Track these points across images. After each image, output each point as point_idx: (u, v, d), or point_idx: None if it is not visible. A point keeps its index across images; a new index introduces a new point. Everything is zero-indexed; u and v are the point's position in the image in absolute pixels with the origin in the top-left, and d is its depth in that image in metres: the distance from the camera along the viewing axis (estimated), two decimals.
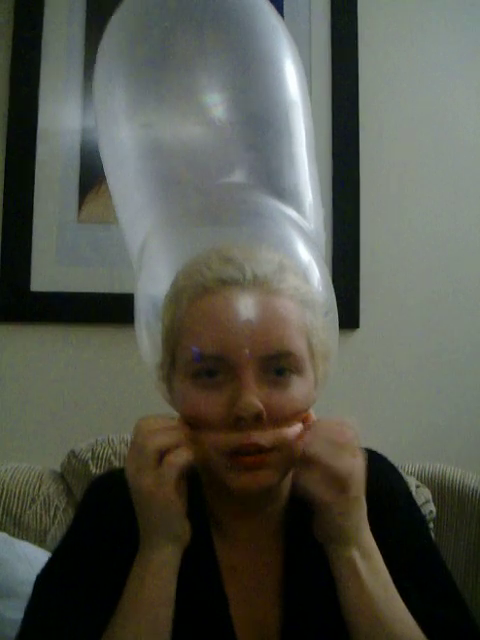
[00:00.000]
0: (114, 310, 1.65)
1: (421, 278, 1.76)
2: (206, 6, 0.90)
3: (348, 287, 1.72)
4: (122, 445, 1.42)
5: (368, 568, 0.77)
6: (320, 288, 0.86)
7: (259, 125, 0.90)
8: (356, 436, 0.77)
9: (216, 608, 0.81)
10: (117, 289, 1.65)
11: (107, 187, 1.65)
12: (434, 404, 1.74)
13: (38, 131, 1.72)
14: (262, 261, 0.79)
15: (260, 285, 0.77)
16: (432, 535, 0.93)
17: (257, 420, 0.74)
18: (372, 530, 0.79)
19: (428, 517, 1.44)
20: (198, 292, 0.78)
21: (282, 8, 1.76)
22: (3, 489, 1.36)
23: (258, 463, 0.75)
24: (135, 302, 0.93)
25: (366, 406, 1.72)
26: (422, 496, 1.45)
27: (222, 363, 0.75)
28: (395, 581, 0.78)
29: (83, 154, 1.73)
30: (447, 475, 1.51)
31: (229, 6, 0.91)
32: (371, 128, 1.77)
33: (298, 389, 0.77)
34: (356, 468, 0.75)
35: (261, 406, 0.73)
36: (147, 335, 0.89)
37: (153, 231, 0.91)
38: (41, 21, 1.74)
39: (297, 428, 0.77)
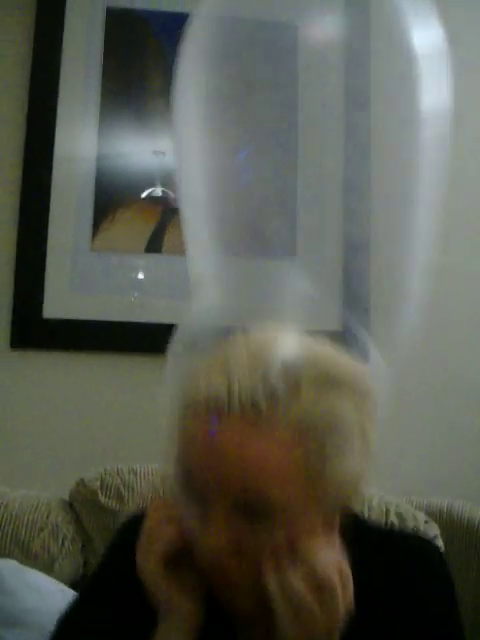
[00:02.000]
0: (126, 339, 1.68)
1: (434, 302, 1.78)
2: None
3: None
4: (131, 475, 1.43)
5: None
6: (354, 403, 0.71)
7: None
8: (343, 581, 0.68)
9: None
10: (129, 318, 1.67)
11: (121, 215, 1.70)
12: (442, 437, 1.74)
13: (54, 158, 1.74)
14: (270, 371, 0.67)
15: (247, 411, 0.66)
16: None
17: (224, 558, 0.68)
18: (392, 618, 0.74)
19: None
20: (187, 411, 0.70)
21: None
22: (12, 516, 1.36)
23: (231, 588, 0.71)
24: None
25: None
26: (430, 531, 1.45)
27: (195, 493, 0.70)
28: None
29: (98, 182, 1.75)
30: (455, 509, 1.51)
31: None
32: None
33: (280, 530, 0.67)
34: (332, 617, 0.67)
35: (219, 549, 0.67)
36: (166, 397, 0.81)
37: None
38: (60, 48, 1.77)
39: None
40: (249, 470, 0.66)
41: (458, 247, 1.80)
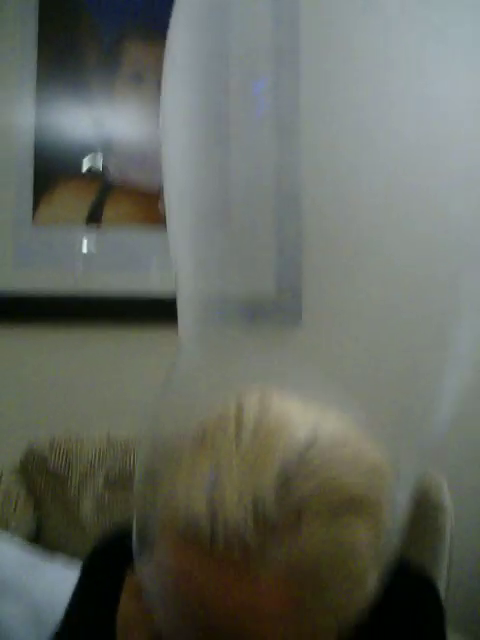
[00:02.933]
0: (70, 311, 1.73)
1: (371, 271, 1.86)
2: None
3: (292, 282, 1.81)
4: (79, 442, 1.50)
5: None
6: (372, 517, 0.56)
7: None
8: None
9: None
10: (72, 291, 1.72)
11: (62, 188, 1.73)
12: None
13: None
14: (266, 494, 0.51)
15: (234, 550, 0.51)
16: None
17: None
18: None
19: None
20: (166, 540, 0.56)
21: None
22: None
23: None
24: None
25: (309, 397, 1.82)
26: None
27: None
28: None
29: (37, 154, 1.77)
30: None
31: None
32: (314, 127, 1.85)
33: None
34: None
35: None
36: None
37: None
38: None
39: None
40: (236, 624, 0.52)
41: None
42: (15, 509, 1.43)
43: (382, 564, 0.57)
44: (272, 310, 1.77)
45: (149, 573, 0.58)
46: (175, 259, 0.83)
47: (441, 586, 1.49)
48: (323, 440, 0.56)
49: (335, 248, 1.80)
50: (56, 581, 1.19)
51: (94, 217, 1.77)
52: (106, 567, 0.77)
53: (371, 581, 0.56)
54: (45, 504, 1.46)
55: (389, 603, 0.64)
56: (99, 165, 1.78)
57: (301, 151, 1.86)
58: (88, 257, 1.77)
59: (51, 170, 1.78)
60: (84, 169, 1.77)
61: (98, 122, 1.79)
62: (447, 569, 1.54)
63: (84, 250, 1.76)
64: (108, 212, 1.78)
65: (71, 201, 1.78)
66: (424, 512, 1.50)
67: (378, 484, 0.57)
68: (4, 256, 1.74)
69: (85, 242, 1.77)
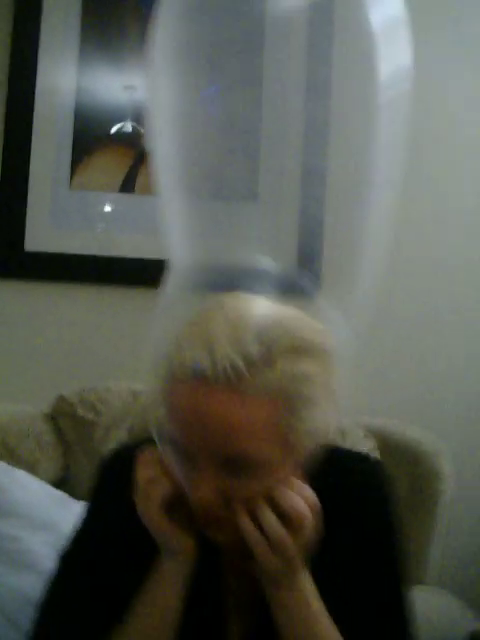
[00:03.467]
0: (100, 271, 1.82)
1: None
2: None
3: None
4: (107, 392, 1.60)
5: (294, 607, 0.83)
6: (317, 369, 0.79)
7: None
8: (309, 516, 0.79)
9: (215, 623, 0.91)
10: (102, 252, 1.81)
11: (98, 155, 1.81)
12: (386, 365, 1.94)
13: (36, 92, 1.83)
14: (247, 342, 0.75)
15: (229, 380, 0.74)
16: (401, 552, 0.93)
17: (212, 507, 0.78)
18: (333, 534, 0.84)
19: None
20: (171, 378, 0.78)
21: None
22: (1, 425, 1.54)
23: (215, 527, 0.83)
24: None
25: None
26: (368, 444, 1.66)
27: (184, 451, 0.79)
28: (343, 599, 0.86)
29: (76, 120, 1.85)
30: (388, 428, 1.71)
31: None
32: (342, 121, 1.88)
33: (262, 480, 0.79)
34: (302, 542, 0.80)
35: (208, 501, 0.78)
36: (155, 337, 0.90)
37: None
38: None
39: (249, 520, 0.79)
40: (234, 433, 0.75)
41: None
42: (45, 451, 1.55)
43: (334, 401, 0.80)
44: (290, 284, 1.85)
45: (165, 416, 0.79)
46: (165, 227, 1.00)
47: (429, 551, 1.60)
48: (288, 312, 0.81)
49: (354, 228, 1.88)
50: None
51: (128, 185, 1.86)
52: (119, 470, 0.91)
53: (325, 415, 0.79)
54: (72, 451, 1.57)
55: (341, 482, 0.88)
56: (129, 128, 1.85)
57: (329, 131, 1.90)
58: (119, 221, 1.86)
59: (90, 136, 1.86)
60: (120, 136, 1.85)
61: (137, 91, 1.85)
62: (442, 535, 1.65)
63: (114, 214, 1.85)
64: (141, 179, 1.86)
65: (107, 167, 1.86)
66: (420, 478, 1.61)
67: (327, 341, 0.80)
68: (42, 216, 1.84)
69: (116, 207, 1.85)
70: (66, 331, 1.84)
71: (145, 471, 0.84)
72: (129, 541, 0.90)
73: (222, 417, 0.75)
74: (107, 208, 1.85)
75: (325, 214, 1.83)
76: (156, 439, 0.84)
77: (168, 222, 1.03)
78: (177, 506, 0.83)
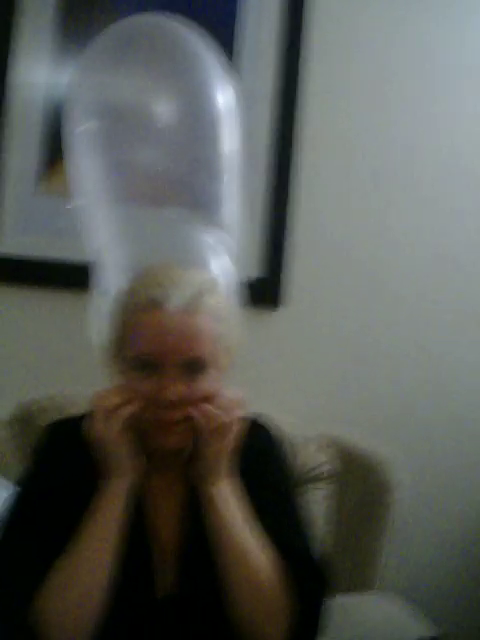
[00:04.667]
0: (66, 276, 1.80)
1: (352, 259, 1.97)
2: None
3: (273, 268, 1.92)
4: (65, 400, 1.61)
5: (224, 502, 1.06)
6: (229, 303, 1.15)
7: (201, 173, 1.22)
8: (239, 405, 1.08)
9: (136, 519, 1.07)
10: (69, 257, 1.79)
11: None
12: (343, 379, 1.99)
13: (8, 93, 1.82)
14: (185, 285, 1.05)
15: (181, 306, 1.03)
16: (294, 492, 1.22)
17: (174, 404, 1.03)
18: (244, 479, 1.10)
19: (326, 474, 1.70)
20: (135, 310, 1.05)
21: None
22: None
23: (173, 428, 1.05)
24: (92, 302, 1.23)
25: (284, 379, 1.95)
26: (320, 457, 1.70)
27: (152, 363, 1.03)
28: (261, 519, 1.08)
29: (48, 129, 1.84)
30: (343, 440, 1.75)
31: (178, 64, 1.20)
32: (312, 104, 1.94)
33: (207, 381, 1.06)
34: (233, 426, 1.07)
35: (177, 396, 1.03)
36: (97, 327, 1.18)
37: (105, 247, 1.22)
38: None
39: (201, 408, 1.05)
40: (193, 340, 1.04)
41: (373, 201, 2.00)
42: (2, 459, 1.55)
43: (235, 324, 1.12)
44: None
45: (129, 344, 1.05)
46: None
47: (380, 557, 1.66)
48: (193, 267, 1.14)
49: (322, 237, 1.91)
50: None
51: None
52: (60, 436, 1.15)
53: (232, 335, 1.10)
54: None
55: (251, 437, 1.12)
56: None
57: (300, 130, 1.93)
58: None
59: (60, 140, 1.85)
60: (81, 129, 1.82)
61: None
62: (396, 542, 1.70)
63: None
64: None
65: None
66: (373, 487, 1.66)
67: (221, 283, 1.15)
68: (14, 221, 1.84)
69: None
70: (31, 336, 1.83)
71: (111, 398, 1.04)
72: (68, 496, 1.06)
73: (183, 329, 1.03)
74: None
75: None
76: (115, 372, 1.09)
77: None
78: (129, 433, 1.04)
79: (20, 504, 1.08)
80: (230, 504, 1.07)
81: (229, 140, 1.25)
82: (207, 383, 1.06)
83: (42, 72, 1.86)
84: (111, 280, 1.19)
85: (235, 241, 1.25)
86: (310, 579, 1.06)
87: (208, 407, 1.05)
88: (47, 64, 1.86)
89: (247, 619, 1.03)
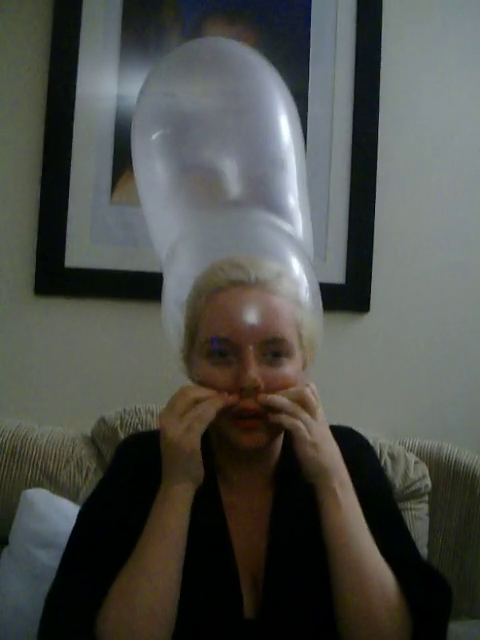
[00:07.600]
0: (141, 287, 1.76)
1: (432, 266, 1.88)
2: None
3: (361, 273, 1.85)
4: (147, 414, 1.56)
5: (345, 496, 0.98)
6: (308, 293, 1.10)
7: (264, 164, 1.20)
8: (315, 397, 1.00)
9: (220, 537, 1.02)
10: (144, 268, 1.75)
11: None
12: (434, 385, 1.86)
13: (76, 110, 1.80)
14: (264, 268, 1.01)
15: (262, 286, 0.99)
16: (394, 501, 1.15)
17: (256, 390, 0.96)
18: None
19: (423, 490, 1.58)
20: (214, 290, 1.01)
21: (309, 19, 1.86)
22: (41, 451, 1.50)
23: (253, 426, 0.98)
24: (163, 302, 1.17)
25: (373, 385, 1.85)
26: (420, 471, 1.58)
27: (231, 345, 0.97)
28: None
29: (117, 132, 1.81)
30: (443, 451, 1.64)
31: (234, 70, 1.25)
32: (390, 121, 1.87)
33: (289, 369, 0.99)
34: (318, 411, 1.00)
35: (259, 380, 0.96)
36: (173, 326, 1.11)
37: (179, 243, 1.15)
38: None
39: (285, 399, 0.97)
40: (273, 317, 0.98)
41: (454, 203, 1.89)
42: (86, 477, 1.50)
43: (315, 318, 1.10)
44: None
45: (207, 327, 1.00)
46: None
47: None
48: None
49: (404, 242, 1.83)
50: None
51: None
52: (136, 449, 1.11)
53: (313, 327, 1.07)
54: None
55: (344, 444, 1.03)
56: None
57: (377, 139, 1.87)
58: None
59: (128, 156, 1.81)
60: (154, 137, 1.78)
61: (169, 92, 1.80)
62: None
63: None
64: None
65: None
66: (477, 504, 1.55)
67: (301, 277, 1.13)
68: (82, 233, 1.80)
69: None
70: (107, 349, 1.79)
71: (195, 392, 0.97)
72: (137, 510, 0.99)
73: (262, 306, 0.98)
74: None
75: None
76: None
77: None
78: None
79: (89, 517, 1.06)
80: (349, 501, 0.99)
81: (291, 134, 1.26)
82: (289, 370, 0.99)
83: (108, 84, 1.83)
84: (184, 280, 1.13)
85: (308, 235, 1.21)
86: (432, 589, 0.99)
87: (306, 416, 0.97)
88: (112, 76, 1.83)
89: (358, 628, 0.96)
